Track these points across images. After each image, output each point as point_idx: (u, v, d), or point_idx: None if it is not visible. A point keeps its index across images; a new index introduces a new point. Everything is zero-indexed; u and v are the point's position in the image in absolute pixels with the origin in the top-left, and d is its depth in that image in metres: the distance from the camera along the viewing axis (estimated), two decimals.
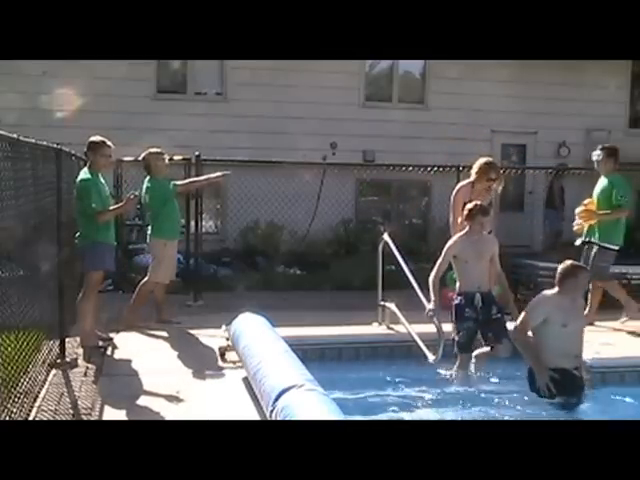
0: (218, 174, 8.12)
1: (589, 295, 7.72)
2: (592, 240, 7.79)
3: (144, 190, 7.63)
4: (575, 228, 7.92)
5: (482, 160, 7.25)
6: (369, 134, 12.19)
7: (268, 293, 9.19)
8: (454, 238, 6.28)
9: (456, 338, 6.03)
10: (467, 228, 6.17)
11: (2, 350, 4.19)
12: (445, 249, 6.18)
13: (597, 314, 7.81)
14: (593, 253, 7.75)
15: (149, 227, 7.76)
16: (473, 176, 7.16)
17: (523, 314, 5.51)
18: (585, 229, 7.85)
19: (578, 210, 7.86)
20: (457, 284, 6.18)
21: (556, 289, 5.45)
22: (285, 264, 10.92)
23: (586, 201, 7.91)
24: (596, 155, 7.93)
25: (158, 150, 7.68)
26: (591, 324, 7.52)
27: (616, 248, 7.79)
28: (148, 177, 7.62)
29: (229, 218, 11.73)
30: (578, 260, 7.94)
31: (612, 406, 5.60)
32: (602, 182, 7.85)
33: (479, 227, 6.15)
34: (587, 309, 7.62)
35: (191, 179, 8.85)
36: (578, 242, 7.94)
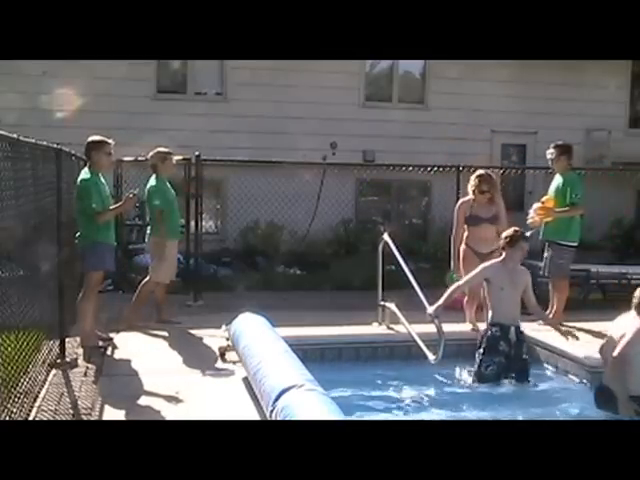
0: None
1: (550, 295, 7.79)
2: (548, 238, 7.84)
3: (147, 189, 7.64)
4: (529, 222, 7.88)
5: (475, 174, 7.29)
6: (369, 134, 12.21)
7: (268, 293, 9.19)
8: (491, 262, 6.06)
9: (482, 370, 5.82)
10: (504, 255, 5.92)
11: (2, 350, 4.19)
12: (480, 268, 6.01)
13: (565, 314, 7.71)
14: (552, 251, 7.81)
15: (149, 227, 7.77)
16: (469, 192, 7.23)
17: (621, 347, 5.01)
18: (542, 227, 7.85)
19: (535, 207, 7.85)
20: (489, 313, 5.97)
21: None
22: (285, 264, 10.93)
23: (544, 198, 7.91)
24: (549, 154, 7.96)
25: (167, 150, 7.69)
26: (560, 324, 7.52)
27: (574, 244, 7.82)
28: (154, 176, 7.62)
29: (229, 218, 11.74)
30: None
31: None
32: (557, 180, 7.88)
33: (520, 253, 5.91)
34: (550, 309, 7.66)
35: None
36: (528, 234, 7.93)
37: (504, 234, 6.01)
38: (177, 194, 7.94)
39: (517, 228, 6.09)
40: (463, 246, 7.15)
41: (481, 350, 5.89)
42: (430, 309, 5.85)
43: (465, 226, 7.19)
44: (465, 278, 6.18)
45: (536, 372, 6.36)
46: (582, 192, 7.80)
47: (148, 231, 7.74)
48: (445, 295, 5.95)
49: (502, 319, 5.87)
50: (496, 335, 5.83)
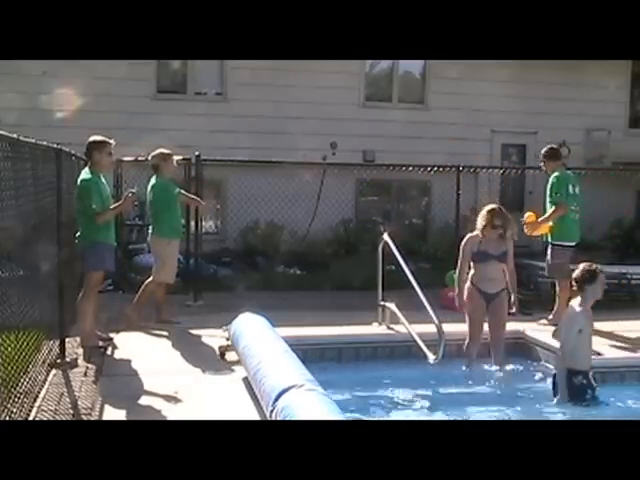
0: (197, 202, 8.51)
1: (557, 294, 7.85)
2: (548, 240, 8.00)
3: (149, 188, 7.64)
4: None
5: (486, 208, 6.65)
6: (369, 134, 12.20)
7: (268, 293, 9.19)
8: (574, 309, 5.51)
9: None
10: (584, 295, 5.44)
11: (2, 350, 4.19)
12: (570, 319, 5.49)
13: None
14: (549, 252, 7.93)
15: (150, 226, 7.76)
16: (479, 226, 6.53)
17: None
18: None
19: (526, 229, 7.94)
20: (569, 359, 5.47)
21: None
22: (285, 264, 10.92)
23: (525, 216, 8.03)
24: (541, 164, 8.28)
25: (168, 151, 7.70)
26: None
27: (570, 244, 7.88)
28: (155, 175, 7.63)
29: (229, 218, 11.73)
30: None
31: (612, 406, 5.60)
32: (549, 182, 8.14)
33: (602, 288, 5.50)
34: (555, 308, 7.71)
35: (193, 197, 8.55)
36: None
37: (579, 272, 5.48)
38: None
39: (591, 264, 5.57)
40: (468, 284, 6.52)
41: (568, 400, 5.45)
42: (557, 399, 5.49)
43: (471, 263, 6.54)
44: (561, 338, 5.54)
45: (536, 372, 6.37)
46: (563, 189, 7.87)
47: (150, 230, 7.74)
48: (560, 385, 5.43)
49: (586, 366, 5.47)
50: (583, 383, 5.41)
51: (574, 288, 5.56)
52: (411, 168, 11.00)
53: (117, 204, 6.97)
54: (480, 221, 6.53)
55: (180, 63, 12.31)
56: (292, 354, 4.97)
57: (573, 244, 7.93)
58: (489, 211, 6.55)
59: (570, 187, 7.94)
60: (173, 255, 7.65)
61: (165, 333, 7.23)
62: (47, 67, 10.24)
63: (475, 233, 6.58)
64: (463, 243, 6.65)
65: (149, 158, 7.76)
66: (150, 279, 7.60)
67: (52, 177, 5.94)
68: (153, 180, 7.63)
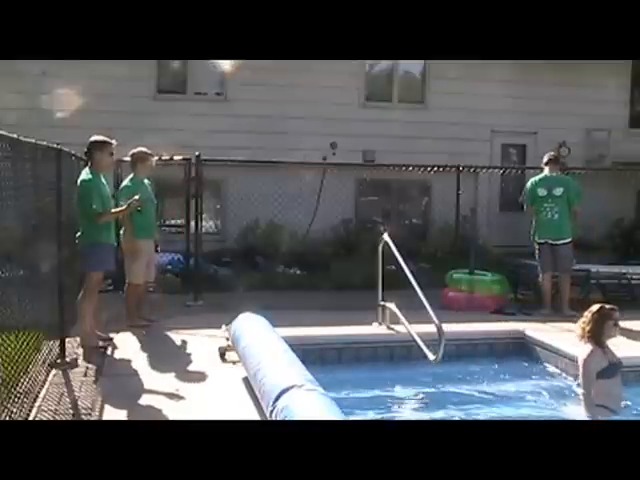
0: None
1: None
2: None
3: (120, 187, 7.61)
4: None
5: (598, 309, 5.40)
6: (369, 134, 12.20)
7: (268, 293, 9.19)
8: None
9: None
10: None
11: (2, 350, 4.20)
12: None
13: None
14: None
15: (122, 227, 7.53)
16: (604, 333, 5.32)
17: None
18: None
19: None
20: None
21: None
22: (285, 264, 10.92)
23: None
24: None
25: (148, 151, 7.68)
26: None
27: (539, 241, 8.66)
28: (132, 175, 7.61)
29: (229, 218, 11.73)
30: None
31: None
32: None
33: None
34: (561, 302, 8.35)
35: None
36: None
37: None
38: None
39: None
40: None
41: None
42: None
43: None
44: None
45: (536, 372, 6.37)
46: (527, 193, 8.79)
47: (121, 231, 7.51)
48: None
49: None
50: None
51: None
52: (411, 168, 11.00)
53: (120, 209, 6.96)
54: (601, 326, 5.29)
55: (180, 63, 12.31)
56: (292, 354, 4.98)
57: (541, 241, 8.57)
58: (607, 310, 5.39)
59: (539, 190, 8.62)
60: (143, 256, 7.50)
61: (165, 333, 7.23)
62: (47, 67, 10.24)
63: (592, 347, 5.27)
64: (585, 363, 5.23)
65: (128, 155, 7.72)
66: (127, 282, 7.58)
67: (52, 177, 5.94)
68: (126, 181, 7.60)
